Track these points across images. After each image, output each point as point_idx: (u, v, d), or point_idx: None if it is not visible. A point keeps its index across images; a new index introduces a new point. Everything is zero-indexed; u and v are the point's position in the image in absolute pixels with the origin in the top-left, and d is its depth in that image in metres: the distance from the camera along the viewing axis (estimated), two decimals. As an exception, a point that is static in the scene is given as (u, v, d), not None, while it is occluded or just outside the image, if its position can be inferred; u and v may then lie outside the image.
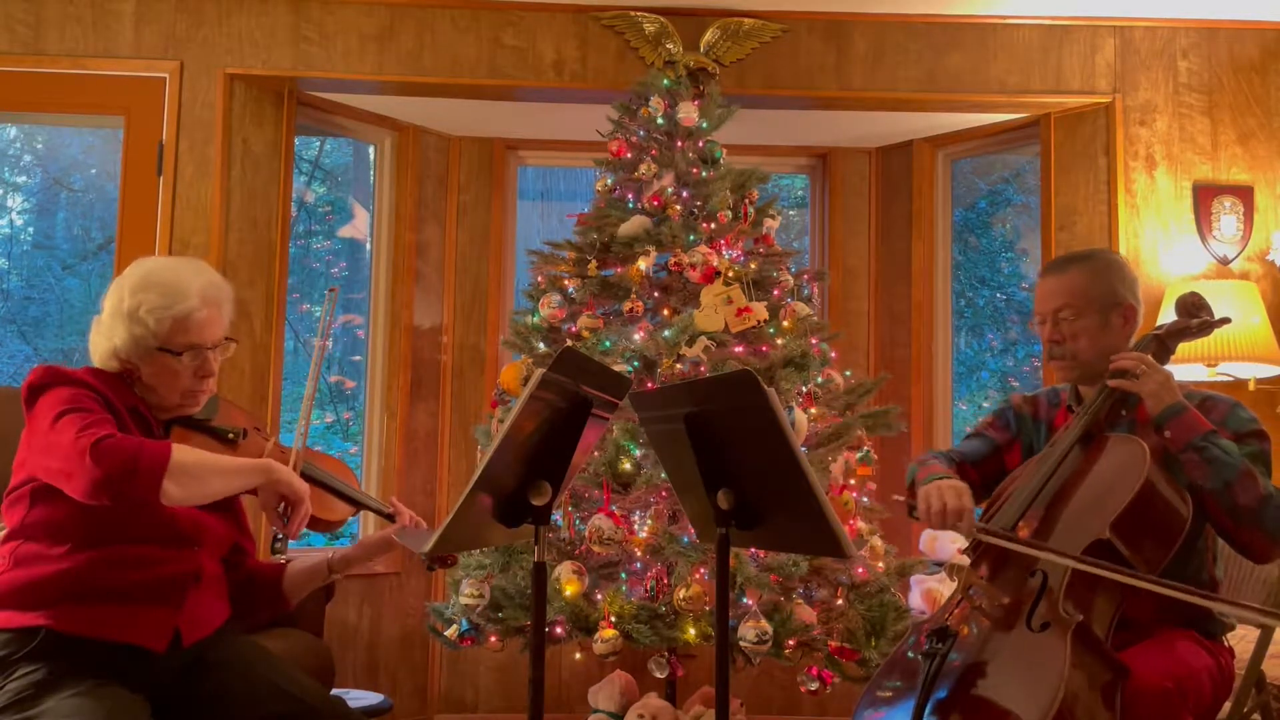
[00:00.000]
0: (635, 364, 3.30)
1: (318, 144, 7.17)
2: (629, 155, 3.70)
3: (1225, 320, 2.32)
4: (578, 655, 3.40)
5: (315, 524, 2.17)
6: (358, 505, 2.22)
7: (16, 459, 1.95)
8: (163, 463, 1.79)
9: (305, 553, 2.37)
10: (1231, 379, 3.78)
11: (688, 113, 3.69)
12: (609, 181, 3.74)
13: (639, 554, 3.14)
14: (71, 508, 1.87)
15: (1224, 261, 3.99)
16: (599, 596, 3.12)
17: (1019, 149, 4.65)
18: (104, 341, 2.02)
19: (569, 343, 3.44)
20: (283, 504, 1.97)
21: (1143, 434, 2.15)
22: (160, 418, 2.06)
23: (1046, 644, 1.88)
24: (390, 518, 2.23)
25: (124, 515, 1.90)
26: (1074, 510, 2.08)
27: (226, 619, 2.11)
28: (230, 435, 2.11)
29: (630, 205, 3.66)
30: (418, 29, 4.08)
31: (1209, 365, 3.66)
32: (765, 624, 2.95)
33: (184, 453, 1.85)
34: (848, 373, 3.65)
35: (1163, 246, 4.03)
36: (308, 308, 7.26)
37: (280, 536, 2.01)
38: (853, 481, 3.41)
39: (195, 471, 1.85)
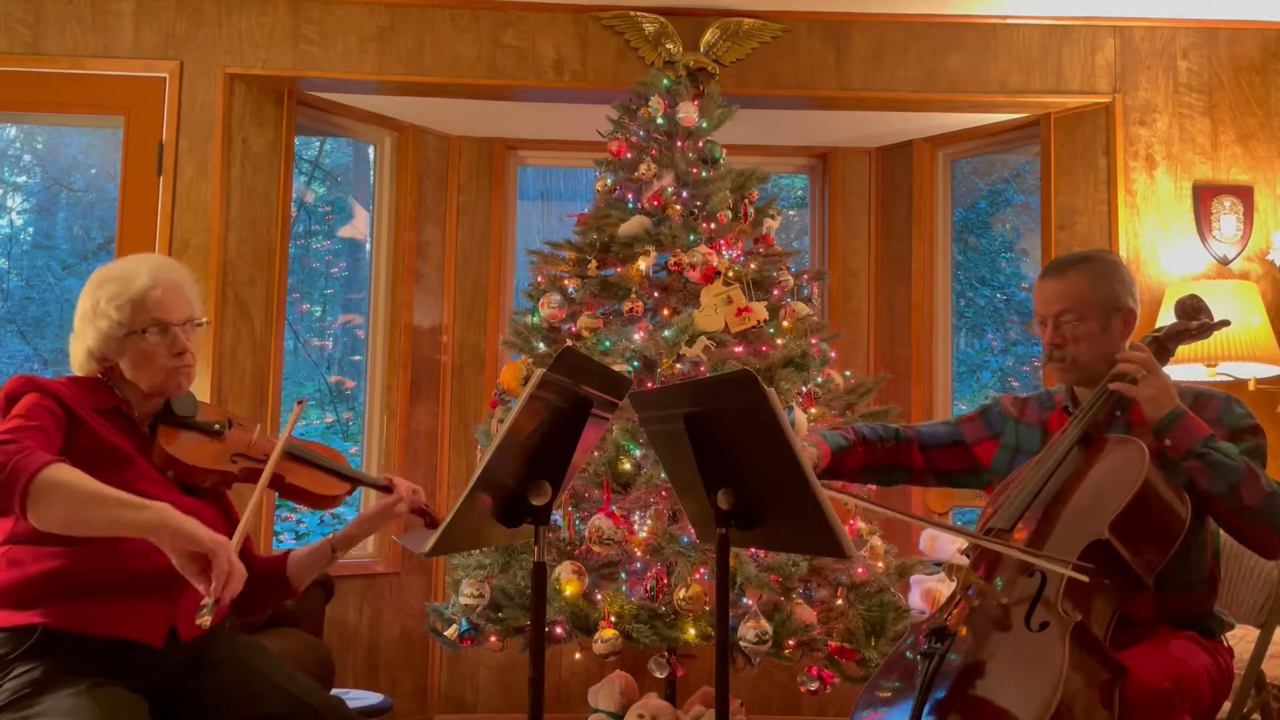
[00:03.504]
0: (635, 364, 3.30)
1: (318, 144, 7.17)
2: (629, 155, 3.70)
3: (1224, 323, 2.32)
4: (578, 655, 3.40)
5: (315, 501, 2.17)
6: (354, 482, 2.21)
7: None
8: (27, 475, 1.69)
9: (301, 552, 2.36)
10: (1231, 379, 3.78)
11: (688, 113, 3.69)
12: (609, 181, 3.74)
13: (639, 554, 3.14)
14: None
15: (1224, 261, 3.99)
16: (599, 596, 3.12)
17: (1019, 149, 4.65)
18: (80, 346, 2.06)
19: (569, 343, 3.44)
20: (201, 563, 1.75)
21: (1139, 434, 2.15)
22: (144, 412, 2.07)
23: (1045, 644, 1.88)
24: (387, 489, 2.22)
25: None
26: (1073, 511, 2.08)
27: (224, 616, 2.11)
28: (216, 427, 2.11)
29: (630, 205, 3.66)
30: (418, 29, 4.08)
31: (1209, 365, 3.66)
32: (765, 624, 2.95)
33: (66, 472, 1.73)
34: (848, 373, 3.65)
35: (1163, 247, 4.03)
36: (308, 308, 7.26)
37: (205, 603, 1.70)
38: (853, 481, 3.41)
39: (70, 494, 1.72)
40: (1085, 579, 1.91)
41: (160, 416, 2.09)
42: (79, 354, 2.06)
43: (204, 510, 2.06)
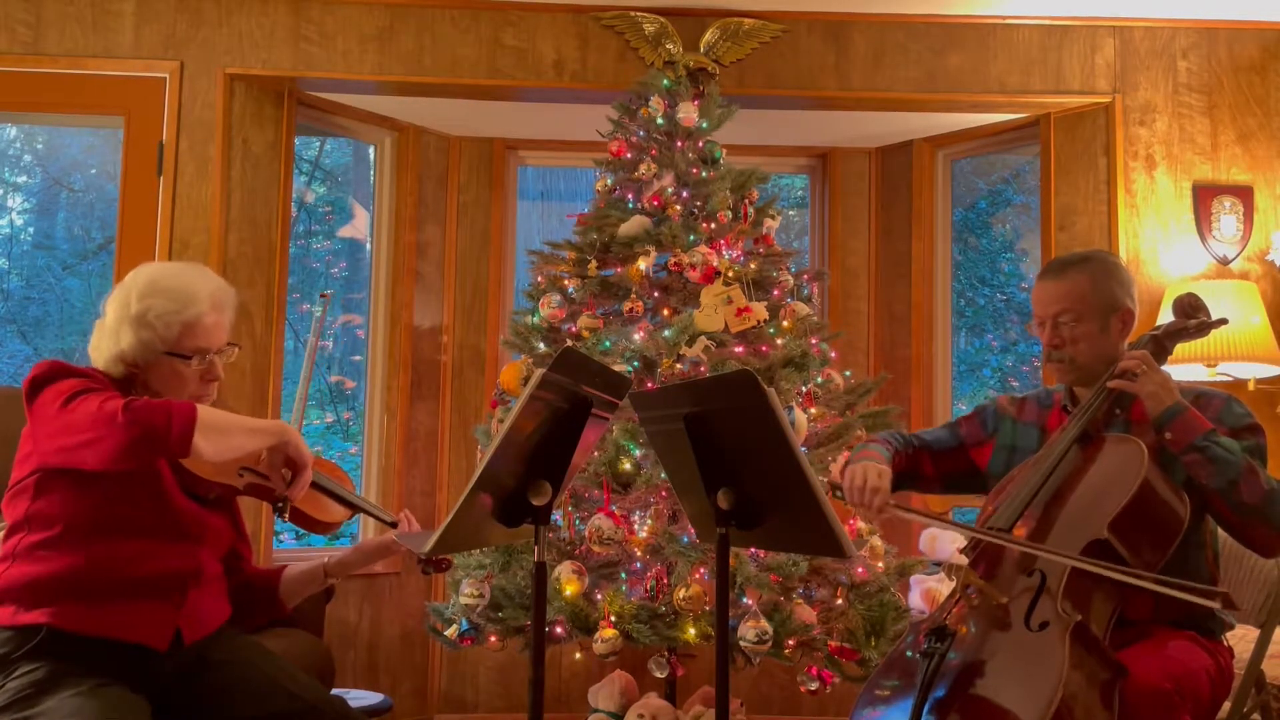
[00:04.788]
0: (635, 364, 3.30)
1: (318, 144, 7.17)
2: (629, 155, 3.70)
3: (1222, 321, 2.32)
4: (578, 655, 3.40)
5: (312, 525, 2.17)
6: (355, 509, 2.22)
7: (19, 454, 1.94)
8: (193, 418, 1.79)
9: (304, 552, 2.37)
10: (1231, 379, 3.79)
11: (688, 113, 3.69)
12: (609, 181, 3.74)
13: (639, 554, 3.14)
14: (75, 499, 1.87)
15: (1224, 261, 3.99)
16: (599, 596, 3.12)
17: (1019, 149, 4.65)
18: (110, 345, 2.01)
19: (569, 343, 3.44)
20: (287, 469, 1.98)
21: (1138, 433, 2.16)
22: None
23: (1045, 643, 1.88)
24: (392, 524, 2.23)
25: (129, 508, 1.90)
26: (1072, 510, 2.08)
27: (227, 619, 2.12)
28: None
29: (630, 205, 3.66)
30: (418, 29, 4.08)
31: (1209, 365, 3.67)
32: (765, 624, 2.95)
33: (208, 410, 1.86)
34: (848, 373, 3.65)
35: (1162, 247, 4.03)
36: (308, 308, 7.26)
37: (281, 503, 2.02)
38: (852, 481, 3.40)
39: (221, 427, 1.85)
40: (1092, 568, 1.91)
41: None
42: (108, 352, 2.02)
43: (211, 519, 2.06)
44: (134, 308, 1.99)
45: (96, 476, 1.86)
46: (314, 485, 2.15)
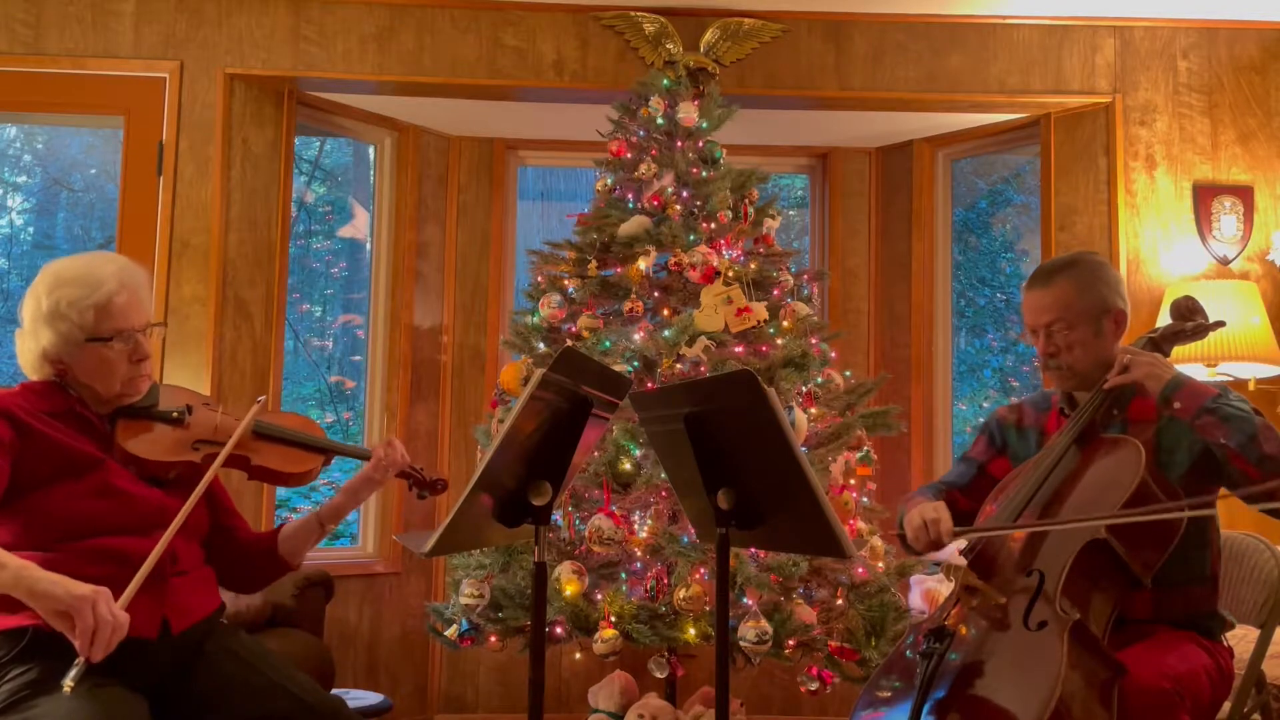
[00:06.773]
0: (635, 364, 3.30)
1: (318, 144, 7.17)
2: (629, 155, 3.70)
3: (1220, 324, 2.32)
4: (578, 655, 3.40)
5: (282, 479, 2.15)
6: (325, 452, 2.19)
7: None
8: None
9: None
10: (1231, 379, 3.79)
11: (688, 113, 3.69)
12: (609, 181, 3.74)
13: (639, 554, 3.14)
14: (16, 525, 1.87)
15: (1224, 261, 3.99)
16: (599, 596, 3.12)
17: (1019, 149, 4.65)
18: (32, 347, 2.00)
19: (569, 343, 3.44)
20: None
21: (1135, 433, 2.16)
22: (102, 412, 2.04)
23: (1043, 643, 1.89)
24: (366, 456, 2.20)
25: (84, 507, 1.89)
26: (1071, 511, 2.08)
27: (217, 608, 2.10)
28: (175, 414, 2.09)
29: (630, 205, 3.66)
30: (418, 29, 4.08)
31: (1209, 365, 3.67)
32: (765, 624, 2.95)
33: None
34: (848, 373, 3.65)
35: (1163, 247, 4.03)
36: (308, 308, 7.26)
37: (76, 662, 1.66)
38: (853, 481, 3.41)
39: None
40: (1122, 519, 1.89)
41: (119, 409, 2.06)
42: (31, 354, 2.01)
43: (176, 503, 2.01)
44: (45, 304, 1.98)
45: (22, 498, 1.86)
46: (275, 437, 2.13)
